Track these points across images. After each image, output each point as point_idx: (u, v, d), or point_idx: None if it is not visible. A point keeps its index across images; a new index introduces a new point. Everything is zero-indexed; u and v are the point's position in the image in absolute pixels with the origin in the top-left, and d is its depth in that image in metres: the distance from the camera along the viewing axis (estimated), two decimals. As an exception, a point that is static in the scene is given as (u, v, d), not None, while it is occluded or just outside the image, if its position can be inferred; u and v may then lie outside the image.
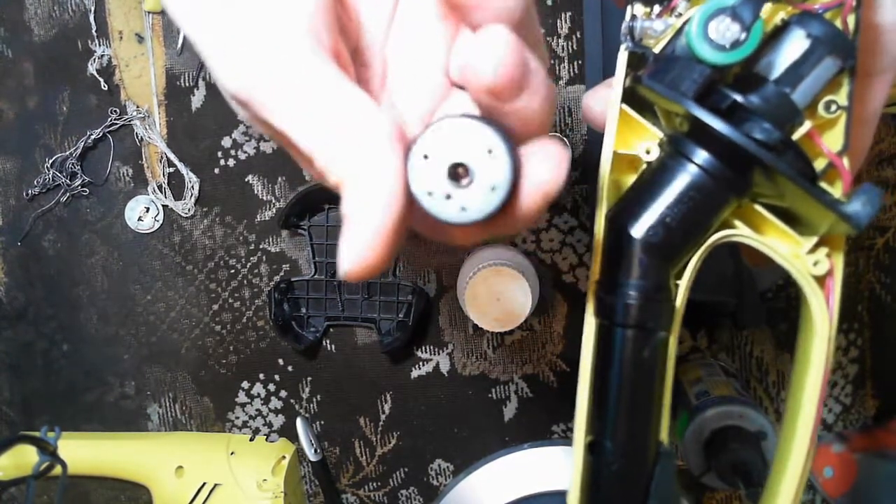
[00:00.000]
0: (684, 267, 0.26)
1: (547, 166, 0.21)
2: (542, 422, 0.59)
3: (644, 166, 0.27)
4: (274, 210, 0.58)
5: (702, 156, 0.24)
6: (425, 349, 0.59)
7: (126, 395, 0.63)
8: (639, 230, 0.25)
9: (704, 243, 0.26)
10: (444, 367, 0.59)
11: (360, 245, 0.19)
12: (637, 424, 0.26)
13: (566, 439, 0.59)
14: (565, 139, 0.52)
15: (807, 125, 0.25)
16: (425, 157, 0.20)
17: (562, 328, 0.57)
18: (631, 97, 0.26)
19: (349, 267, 0.20)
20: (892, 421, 0.56)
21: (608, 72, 0.47)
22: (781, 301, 0.56)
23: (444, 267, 0.58)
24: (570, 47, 0.54)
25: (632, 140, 0.27)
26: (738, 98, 0.24)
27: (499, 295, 0.48)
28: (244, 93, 0.20)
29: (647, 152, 0.26)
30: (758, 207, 0.26)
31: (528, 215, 0.21)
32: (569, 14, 0.53)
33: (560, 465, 0.56)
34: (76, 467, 0.54)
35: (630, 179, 0.27)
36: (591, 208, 0.55)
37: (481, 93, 0.20)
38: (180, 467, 0.59)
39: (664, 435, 0.26)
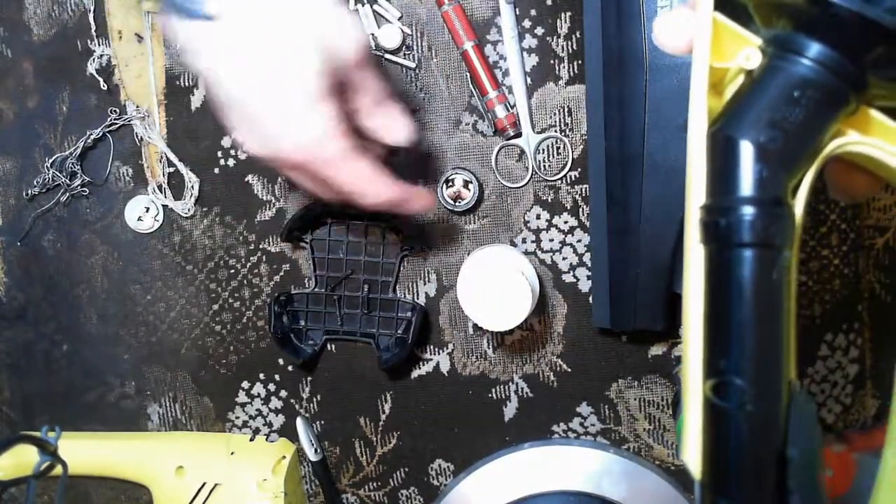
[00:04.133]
0: (799, 183, 0.24)
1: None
2: (542, 422, 0.59)
3: (740, 79, 0.25)
4: (274, 210, 0.58)
5: (816, 49, 0.23)
6: (425, 349, 0.59)
7: (126, 394, 0.63)
8: (753, 138, 0.23)
9: (822, 152, 0.24)
10: (444, 367, 0.59)
11: None
12: (771, 357, 0.23)
13: (566, 439, 0.59)
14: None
15: None
16: None
17: (562, 328, 0.57)
18: (720, 4, 0.25)
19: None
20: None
21: (608, 71, 0.47)
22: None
23: (443, 267, 0.58)
24: (569, 47, 0.54)
25: (724, 52, 0.25)
26: None
27: (499, 295, 0.48)
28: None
29: (748, 59, 0.24)
30: (874, 113, 0.24)
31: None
32: (569, 14, 0.53)
33: (560, 465, 0.56)
34: (76, 467, 0.54)
35: (716, 102, 0.25)
36: (591, 207, 0.55)
37: None
38: (180, 467, 0.60)
39: (794, 373, 0.24)
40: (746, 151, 0.23)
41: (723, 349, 0.23)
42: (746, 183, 0.23)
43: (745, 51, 0.25)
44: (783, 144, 0.23)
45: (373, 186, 0.42)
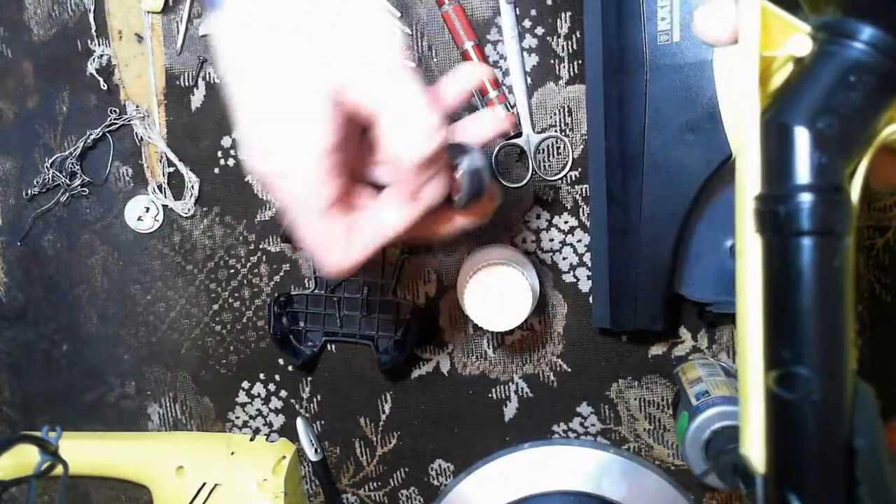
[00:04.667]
0: (855, 169, 0.24)
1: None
2: (542, 422, 0.59)
3: (788, 68, 0.25)
4: (274, 210, 0.58)
5: (869, 32, 0.23)
6: (425, 349, 0.59)
7: (126, 394, 0.63)
8: (810, 125, 0.23)
9: (876, 138, 0.24)
10: (445, 367, 0.59)
11: None
12: (836, 346, 0.23)
13: (566, 439, 0.59)
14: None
15: None
16: None
17: (562, 328, 0.57)
18: None
19: None
20: (893, 420, 0.56)
21: (609, 71, 0.47)
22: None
23: (444, 267, 0.58)
24: (569, 47, 0.53)
25: (772, 40, 0.25)
26: None
27: (499, 295, 0.48)
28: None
29: (798, 46, 0.24)
30: None
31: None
32: (569, 14, 0.53)
33: (560, 465, 0.56)
34: (77, 467, 0.54)
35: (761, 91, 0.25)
36: (591, 207, 0.55)
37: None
38: (180, 467, 0.60)
39: (854, 362, 0.24)
40: (802, 138, 0.23)
41: (786, 339, 0.23)
42: (804, 170, 0.23)
43: (795, 38, 0.24)
44: (840, 130, 0.23)
45: (337, 254, 0.33)
